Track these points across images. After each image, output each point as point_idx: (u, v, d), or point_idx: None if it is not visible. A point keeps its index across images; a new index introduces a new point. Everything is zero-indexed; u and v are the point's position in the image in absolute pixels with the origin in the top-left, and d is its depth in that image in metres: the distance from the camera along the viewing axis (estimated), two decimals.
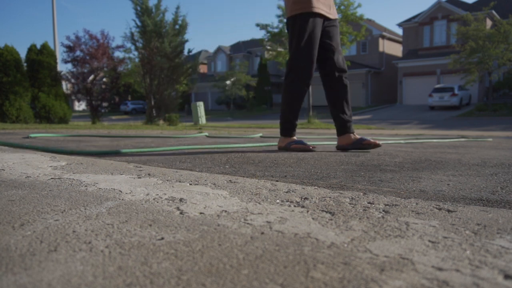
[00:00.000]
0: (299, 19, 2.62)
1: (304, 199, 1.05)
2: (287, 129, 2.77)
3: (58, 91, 11.13)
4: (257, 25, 17.31)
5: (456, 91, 23.24)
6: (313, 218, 0.86)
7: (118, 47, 13.58)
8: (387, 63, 32.33)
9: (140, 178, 1.39)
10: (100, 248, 0.67)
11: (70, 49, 12.70)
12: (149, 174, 1.46)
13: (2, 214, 0.89)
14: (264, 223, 0.82)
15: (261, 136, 5.02)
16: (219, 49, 40.94)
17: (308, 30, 2.61)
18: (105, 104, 14.44)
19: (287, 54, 18.39)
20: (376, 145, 2.62)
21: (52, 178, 1.37)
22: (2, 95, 9.84)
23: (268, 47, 19.10)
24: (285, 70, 2.83)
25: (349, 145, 2.70)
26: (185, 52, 13.78)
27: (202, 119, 14.29)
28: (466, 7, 28.28)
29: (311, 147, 2.65)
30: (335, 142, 3.54)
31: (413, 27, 29.93)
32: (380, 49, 32.61)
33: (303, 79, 2.67)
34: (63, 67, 71.44)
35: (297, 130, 9.50)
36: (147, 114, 13.19)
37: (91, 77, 13.00)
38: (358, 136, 2.73)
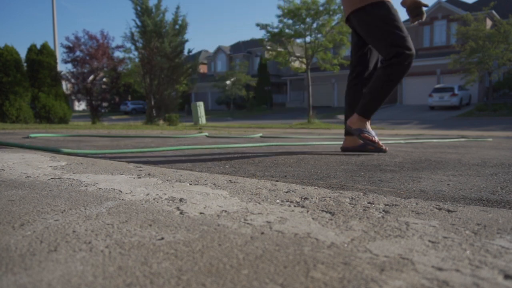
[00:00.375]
0: (383, 2, 2.42)
1: (304, 199, 1.05)
2: (369, 110, 2.56)
3: (58, 91, 11.14)
4: (257, 25, 17.29)
5: (456, 91, 23.23)
6: (313, 218, 0.86)
7: (118, 47, 13.61)
8: None
9: (140, 178, 1.39)
10: (100, 248, 0.67)
11: (70, 49, 12.72)
12: (149, 174, 1.46)
13: (2, 214, 0.89)
14: (264, 223, 0.82)
15: (261, 136, 5.03)
16: (219, 49, 40.95)
17: (395, 11, 2.43)
18: (105, 104, 14.46)
19: (287, 54, 18.40)
20: (382, 150, 2.59)
21: (52, 178, 1.37)
22: (2, 95, 9.84)
23: (268, 47, 19.07)
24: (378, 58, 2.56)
25: (355, 147, 2.68)
26: (185, 52, 13.80)
27: (202, 119, 14.30)
28: (466, 7, 28.29)
29: (384, 147, 2.58)
30: (335, 142, 3.56)
31: (413, 27, 29.87)
32: None
33: (409, 64, 2.41)
34: (63, 67, 71.54)
35: (296, 130, 9.33)
36: (147, 114, 13.19)
37: (91, 77, 13.01)
38: None
